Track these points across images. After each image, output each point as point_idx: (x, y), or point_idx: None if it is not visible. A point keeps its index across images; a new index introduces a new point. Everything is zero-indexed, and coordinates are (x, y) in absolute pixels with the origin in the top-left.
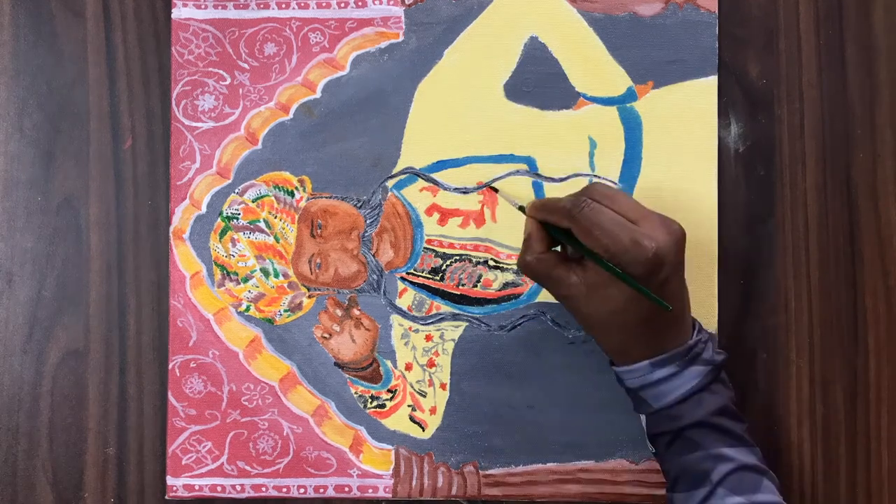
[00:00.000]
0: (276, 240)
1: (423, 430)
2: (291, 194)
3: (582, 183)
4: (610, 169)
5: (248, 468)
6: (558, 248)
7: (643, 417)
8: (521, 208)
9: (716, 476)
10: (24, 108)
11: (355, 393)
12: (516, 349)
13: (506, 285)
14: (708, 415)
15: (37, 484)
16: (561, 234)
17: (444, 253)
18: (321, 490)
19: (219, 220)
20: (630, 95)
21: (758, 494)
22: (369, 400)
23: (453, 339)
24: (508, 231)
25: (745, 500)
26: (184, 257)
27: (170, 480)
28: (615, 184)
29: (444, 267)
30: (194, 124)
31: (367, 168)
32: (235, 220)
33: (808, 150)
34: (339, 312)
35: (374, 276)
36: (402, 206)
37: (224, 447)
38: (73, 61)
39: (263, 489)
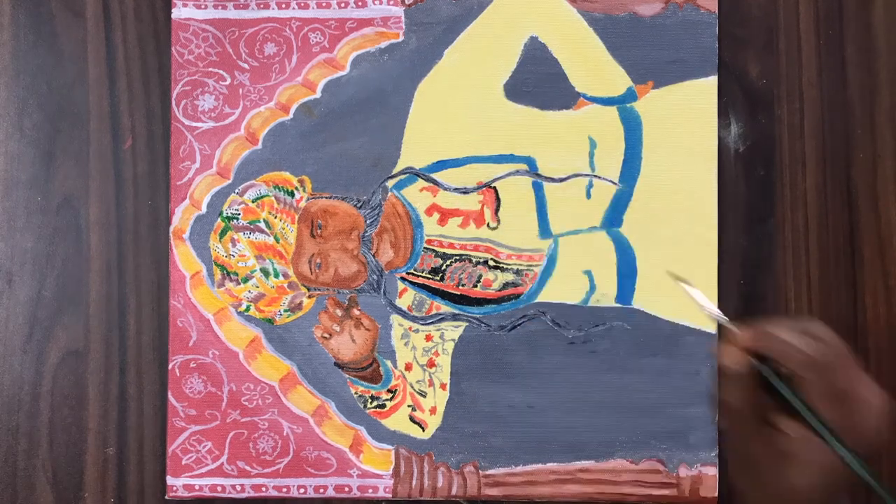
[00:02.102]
0: (276, 240)
1: (423, 430)
2: (291, 194)
3: (582, 183)
4: (610, 169)
5: (248, 468)
6: None
7: None
8: (727, 322)
9: None
10: (24, 108)
11: (355, 393)
12: (516, 349)
13: (506, 285)
14: None
15: (37, 484)
16: (777, 380)
17: (444, 253)
18: (321, 490)
19: (219, 220)
20: (630, 95)
21: None
22: (369, 400)
23: (453, 339)
24: (508, 231)
25: None
26: (184, 257)
27: (170, 480)
28: (615, 183)
29: (444, 267)
30: (194, 124)
31: (367, 168)
32: (235, 220)
33: (808, 150)
34: (339, 312)
35: (374, 276)
36: (402, 206)
37: (224, 447)
38: (73, 61)
39: (263, 489)
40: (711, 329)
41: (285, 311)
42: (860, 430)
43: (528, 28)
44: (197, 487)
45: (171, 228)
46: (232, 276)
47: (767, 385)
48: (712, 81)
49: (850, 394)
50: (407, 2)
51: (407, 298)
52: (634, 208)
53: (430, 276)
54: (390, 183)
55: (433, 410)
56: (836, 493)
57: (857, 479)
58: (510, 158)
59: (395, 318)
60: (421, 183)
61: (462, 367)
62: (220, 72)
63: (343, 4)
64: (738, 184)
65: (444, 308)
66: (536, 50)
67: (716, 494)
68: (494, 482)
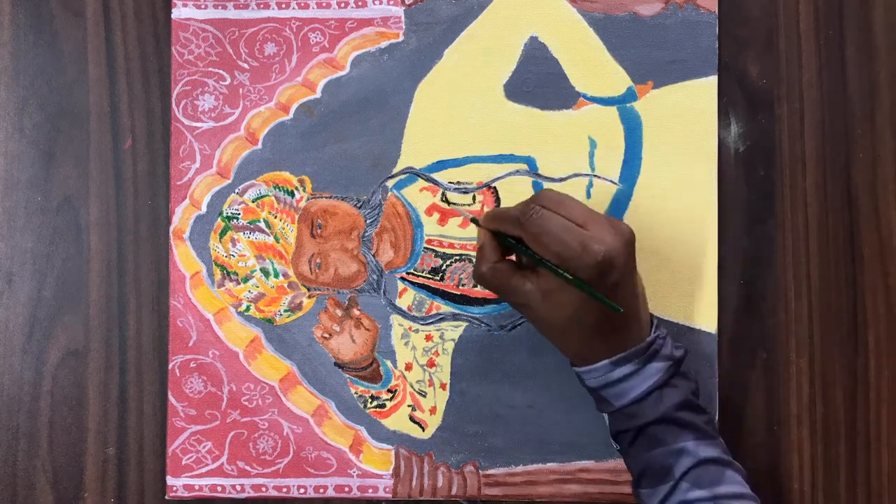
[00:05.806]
0: (276, 240)
1: (423, 430)
2: (291, 194)
3: (582, 183)
4: (610, 169)
5: (248, 468)
6: (513, 257)
7: (606, 416)
8: (474, 220)
9: (678, 471)
10: (24, 108)
11: (355, 393)
12: (516, 349)
13: None
14: (669, 410)
15: (37, 484)
16: (513, 242)
17: (444, 253)
18: (321, 490)
19: (219, 220)
20: (630, 95)
21: (721, 487)
22: (369, 400)
23: (453, 339)
24: None
25: (708, 492)
26: (184, 257)
27: (170, 480)
28: (615, 183)
29: (444, 267)
30: (194, 124)
31: (367, 168)
32: (235, 220)
33: (808, 150)
34: (339, 312)
35: (374, 276)
36: (402, 206)
37: (224, 447)
38: (73, 61)
39: (263, 489)
40: (712, 329)
41: (285, 311)
42: (583, 258)
43: (528, 28)
44: (197, 487)
45: (171, 228)
46: (232, 276)
47: (518, 255)
48: (712, 81)
49: (568, 230)
50: (407, 2)
51: (407, 298)
52: (634, 208)
53: (430, 275)
54: (390, 183)
55: (433, 410)
56: (589, 316)
57: (591, 298)
58: (510, 158)
59: (395, 318)
60: (421, 183)
61: (462, 367)
62: (220, 72)
63: (343, 4)
64: (738, 184)
65: (444, 308)
66: (536, 50)
67: None
68: (494, 482)
